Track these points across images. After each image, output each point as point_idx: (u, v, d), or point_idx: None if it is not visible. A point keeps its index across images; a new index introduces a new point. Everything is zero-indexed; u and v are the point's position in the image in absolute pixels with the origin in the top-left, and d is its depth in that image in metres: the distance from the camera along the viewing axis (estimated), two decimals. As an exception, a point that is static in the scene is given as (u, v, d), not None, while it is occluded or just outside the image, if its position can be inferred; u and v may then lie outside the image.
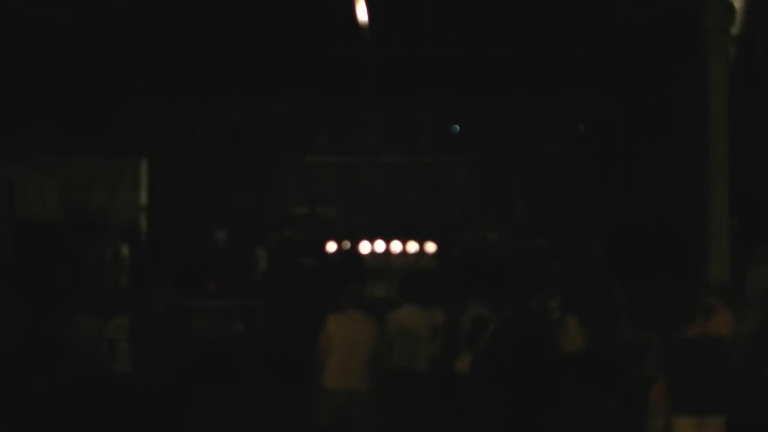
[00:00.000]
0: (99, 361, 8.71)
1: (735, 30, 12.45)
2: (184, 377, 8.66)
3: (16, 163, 16.33)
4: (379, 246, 18.23)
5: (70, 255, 14.92)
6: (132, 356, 8.41)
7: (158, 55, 16.40)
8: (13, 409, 8.55)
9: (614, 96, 18.39)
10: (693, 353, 6.19)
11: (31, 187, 16.31)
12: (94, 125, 17.26)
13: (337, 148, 19.53)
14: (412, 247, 18.28)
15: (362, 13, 14.56)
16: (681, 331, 6.30)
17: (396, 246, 18.30)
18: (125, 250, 15.63)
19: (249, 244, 16.87)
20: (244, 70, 17.15)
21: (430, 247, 18.27)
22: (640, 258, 14.63)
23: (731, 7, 12.29)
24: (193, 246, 16.77)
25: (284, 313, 12.31)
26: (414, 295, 8.93)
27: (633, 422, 7.07)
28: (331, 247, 18.20)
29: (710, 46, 12.26)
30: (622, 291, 11.29)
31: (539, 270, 15.79)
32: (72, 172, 16.66)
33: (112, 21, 15.13)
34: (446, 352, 8.86)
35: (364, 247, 18.20)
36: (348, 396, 7.53)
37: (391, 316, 8.69)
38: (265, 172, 19.49)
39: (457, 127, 19.42)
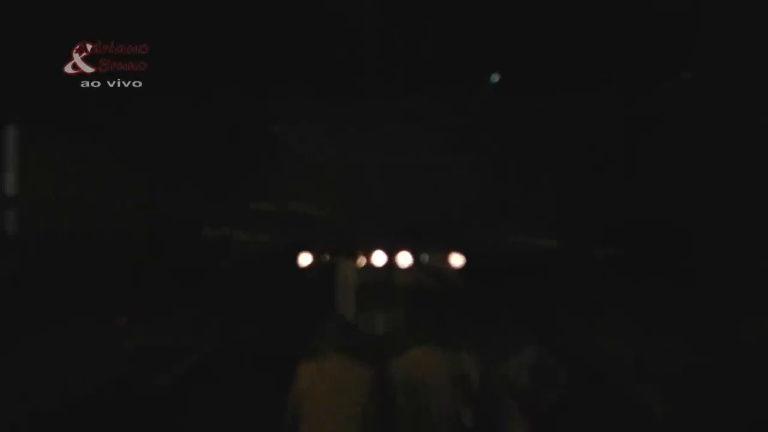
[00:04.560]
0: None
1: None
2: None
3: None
4: (380, 258, 13.67)
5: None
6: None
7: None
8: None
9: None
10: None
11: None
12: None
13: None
14: (425, 258, 13.78)
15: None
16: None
17: (404, 259, 13.52)
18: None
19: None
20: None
21: (457, 260, 13.32)
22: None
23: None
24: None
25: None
26: (428, 329, 6.32)
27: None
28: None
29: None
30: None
31: None
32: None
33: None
34: (480, 417, 6.20)
35: (360, 260, 14.09)
36: None
37: (395, 362, 6.27)
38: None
39: (497, 77, 16.68)
